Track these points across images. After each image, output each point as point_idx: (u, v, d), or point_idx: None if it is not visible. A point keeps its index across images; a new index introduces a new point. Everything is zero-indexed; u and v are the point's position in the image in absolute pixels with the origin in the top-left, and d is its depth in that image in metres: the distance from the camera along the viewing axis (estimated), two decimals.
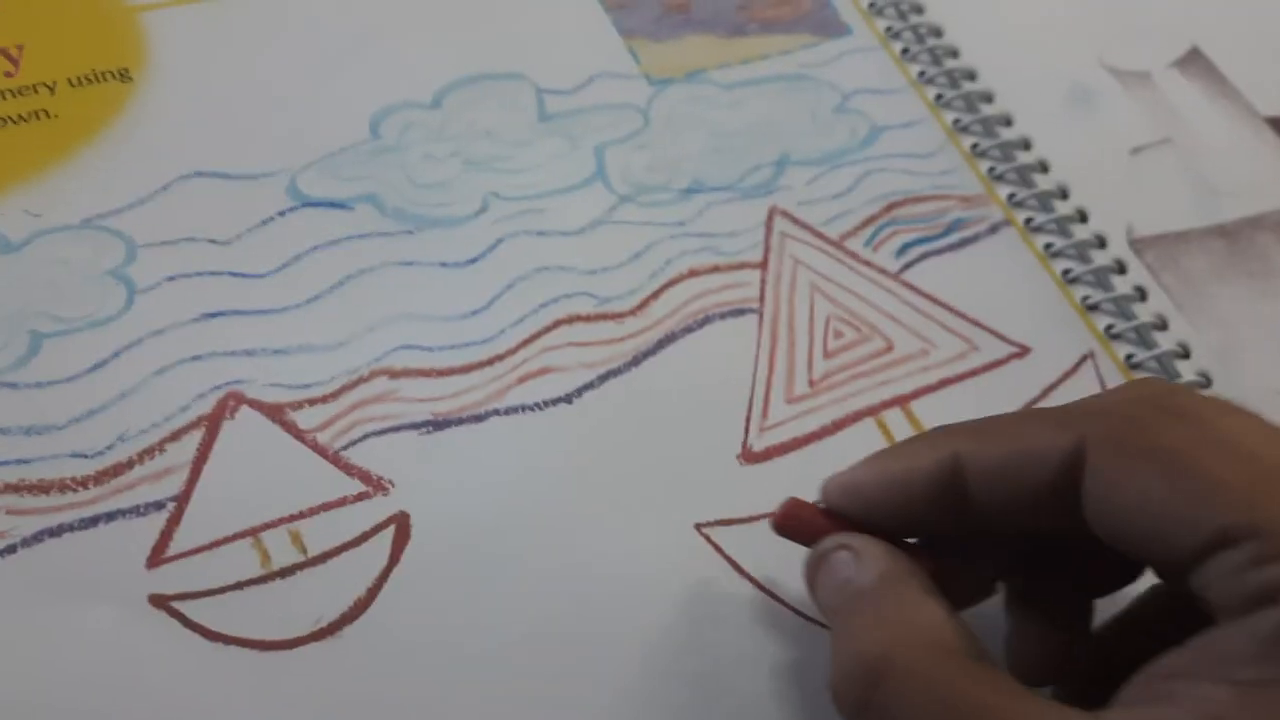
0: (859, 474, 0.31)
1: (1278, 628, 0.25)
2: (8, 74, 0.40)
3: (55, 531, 0.33)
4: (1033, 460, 0.29)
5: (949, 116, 0.47)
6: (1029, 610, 0.33)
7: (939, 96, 0.47)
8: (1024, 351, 0.42)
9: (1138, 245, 0.45)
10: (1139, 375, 0.42)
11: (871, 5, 0.49)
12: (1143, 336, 0.42)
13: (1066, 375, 0.41)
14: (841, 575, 0.30)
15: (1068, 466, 0.28)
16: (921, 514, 0.31)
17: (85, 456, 0.34)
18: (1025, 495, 0.29)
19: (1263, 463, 0.27)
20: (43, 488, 0.34)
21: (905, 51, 0.48)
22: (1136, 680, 0.27)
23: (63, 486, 0.34)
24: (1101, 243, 0.44)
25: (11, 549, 0.33)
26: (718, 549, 0.36)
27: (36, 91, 0.40)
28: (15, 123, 0.39)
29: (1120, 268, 0.44)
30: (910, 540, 0.32)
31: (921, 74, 0.47)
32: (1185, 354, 0.42)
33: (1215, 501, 0.26)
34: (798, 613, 0.35)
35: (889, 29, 0.48)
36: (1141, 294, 0.43)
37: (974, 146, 0.46)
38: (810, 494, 0.37)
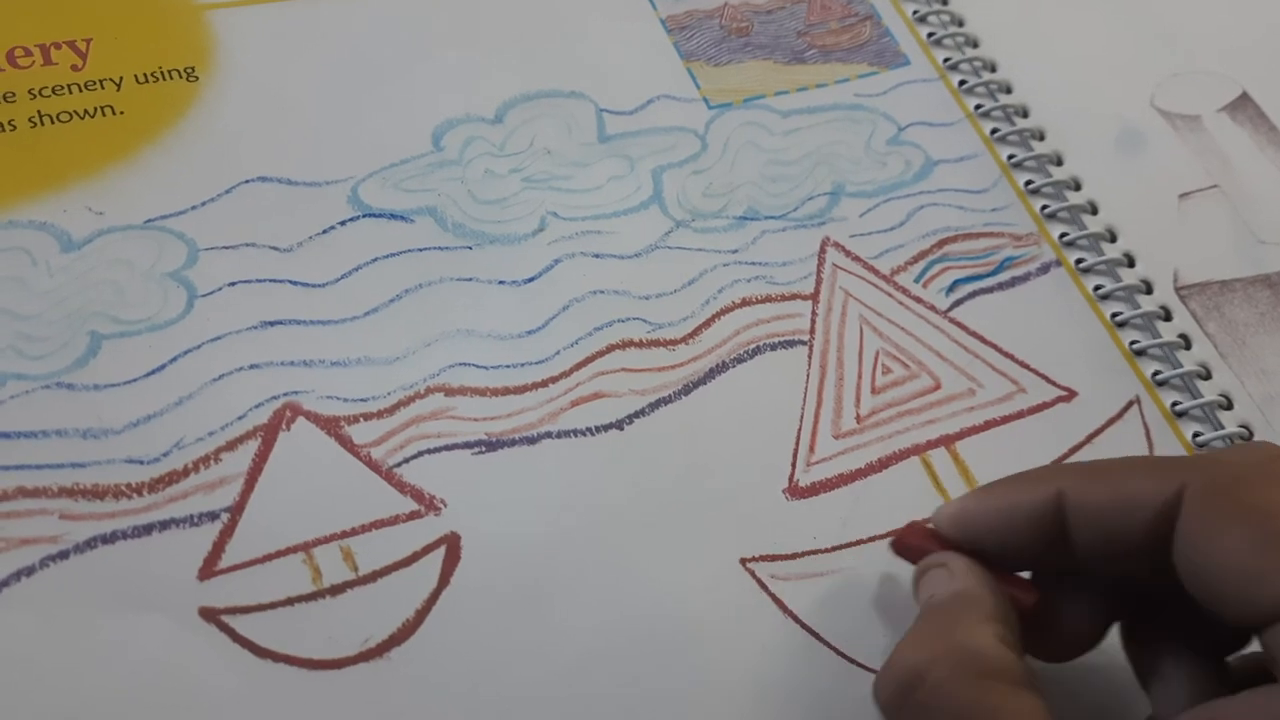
0: (968, 503, 0.33)
1: None
2: (74, 67, 0.40)
3: (108, 538, 0.33)
4: (1132, 505, 0.30)
5: (1004, 152, 0.47)
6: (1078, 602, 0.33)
7: (994, 131, 0.47)
8: (1070, 395, 0.42)
9: (1183, 292, 0.45)
10: (1184, 423, 0.42)
11: (930, 35, 0.49)
12: (1187, 384, 0.42)
13: (1112, 421, 0.41)
14: (930, 589, 0.32)
15: (1164, 515, 0.29)
16: (1024, 547, 0.32)
17: (141, 463, 0.34)
18: (1121, 539, 0.30)
19: None
20: (97, 493, 0.34)
21: (963, 84, 0.48)
22: (1185, 718, 0.29)
23: (117, 493, 0.34)
24: (1148, 288, 0.44)
25: (64, 554, 0.33)
26: (762, 585, 0.36)
27: (103, 86, 0.40)
28: (81, 117, 0.39)
29: (1166, 314, 0.44)
30: (1020, 574, 0.33)
31: (978, 107, 0.47)
32: (1228, 404, 0.42)
33: None
34: (838, 652, 0.35)
35: (947, 60, 0.48)
36: (1186, 342, 0.43)
37: (1028, 184, 0.46)
38: (857, 531, 0.37)
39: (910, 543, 0.34)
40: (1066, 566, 0.32)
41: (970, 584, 0.32)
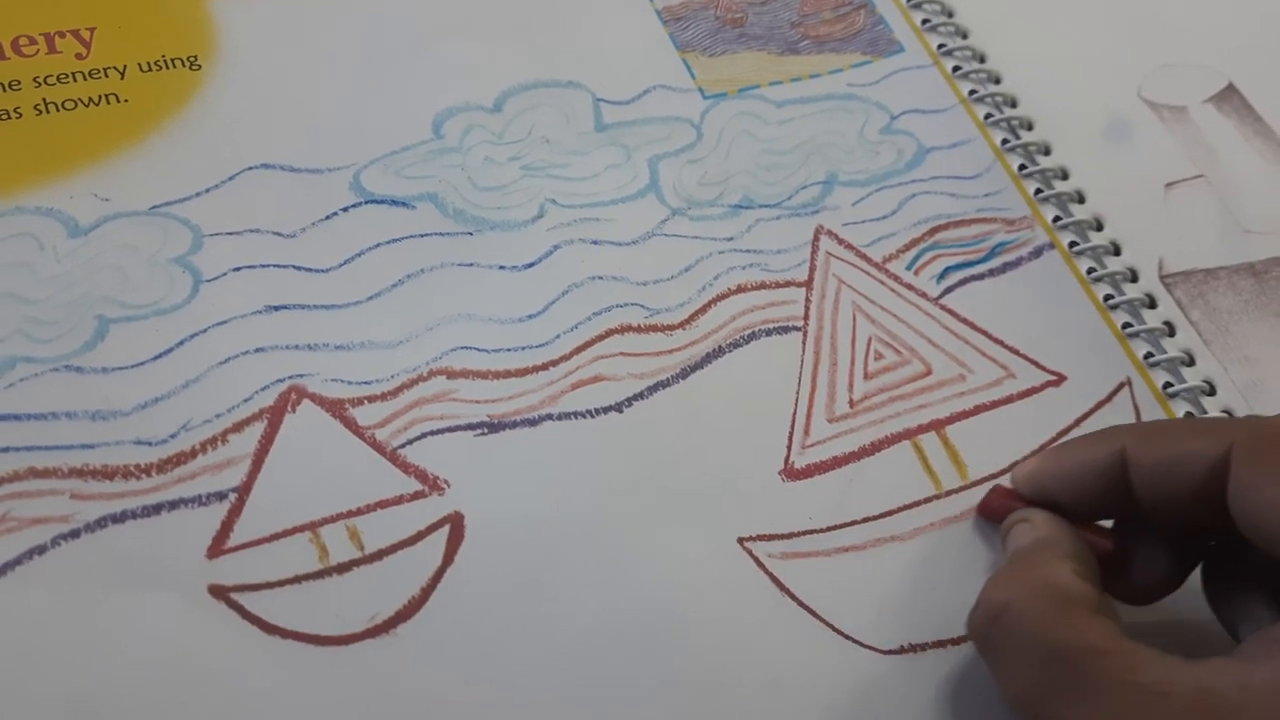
0: (1042, 462, 0.36)
1: None
2: (79, 55, 0.40)
3: (118, 518, 0.34)
4: (1186, 463, 0.33)
5: (998, 136, 0.47)
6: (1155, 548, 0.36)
7: (988, 116, 0.48)
8: (1059, 380, 0.42)
9: (1168, 280, 0.45)
10: (1176, 404, 0.42)
11: (925, 22, 0.50)
12: (1173, 370, 0.43)
13: (1101, 404, 0.42)
14: (1015, 541, 0.36)
15: (1216, 471, 0.32)
16: (1095, 500, 0.35)
17: (149, 444, 0.35)
18: (1179, 492, 0.33)
19: None
20: (107, 473, 0.34)
21: (956, 69, 0.49)
22: (1253, 638, 0.31)
23: (126, 473, 0.34)
24: (1133, 276, 0.45)
25: (75, 534, 0.33)
26: (759, 563, 0.37)
27: (107, 75, 0.40)
28: (86, 105, 0.39)
29: (1151, 302, 0.44)
30: (1100, 523, 0.36)
31: (972, 92, 0.48)
32: (1211, 390, 0.43)
33: None
34: (833, 628, 0.36)
35: (941, 46, 0.49)
36: (1170, 329, 0.44)
37: (1021, 167, 0.47)
38: (851, 512, 0.38)
39: (994, 503, 0.38)
40: (1135, 516, 0.35)
41: (1049, 531, 0.35)
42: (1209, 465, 0.32)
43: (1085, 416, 0.42)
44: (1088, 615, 0.31)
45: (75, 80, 0.40)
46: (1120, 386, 0.42)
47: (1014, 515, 0.37)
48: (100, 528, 0.33)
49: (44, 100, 0.39)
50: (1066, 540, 0.34)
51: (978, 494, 0.39)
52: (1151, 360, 0.43)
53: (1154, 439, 0.34)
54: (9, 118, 0.38)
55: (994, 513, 0.38)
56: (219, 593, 0.33)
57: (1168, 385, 0.43)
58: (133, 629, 0.32)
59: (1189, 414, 0.42)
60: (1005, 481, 0.38)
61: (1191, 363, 0.43)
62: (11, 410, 0.34)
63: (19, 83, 0.39)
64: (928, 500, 0.39)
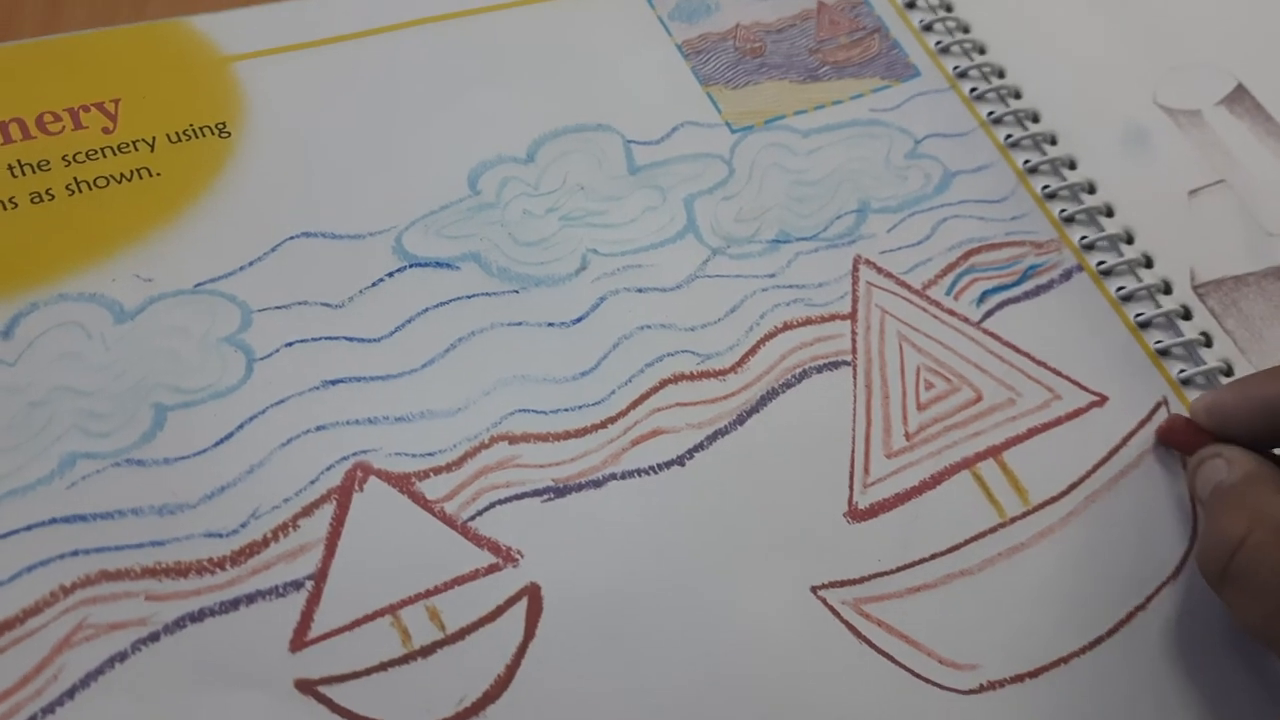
0: (1225, 396, 0.39)
1: None
2: (105, 130, 0.39)
3: (196, 616, 0.33)
4: None
5: (1020, 158, 0.47)
6: None
7: (1008, 137, 0.47)
8: (1102, 400, 0.42)
9: (1201, 290, 0.45)
10: None
11: (938, 44, 0.49)
12: (1211, 383, 0.43)
13: (1142, 424, 0.42)
14: (1215, 477, 0.37)
15: None
16: (1274, 433, 0.37)
17: (220, 536, 0.34)
18: None
19: None
20: (180, 570, 0.33)
21: (973, 91, 0.48)
22: None
23: (200, 569, 0.33)
24: (1167, 288, 0.45)
25: (154, 636, 0.32)
26: (834, 612, 0.37)
27: (136, 148, 0.39)
28: (118, 181, 0.38)
29: (1186, 313, 0.45)
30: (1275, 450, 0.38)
31: (990, 114, 0.48)
32: None
33: None
34: (912, 673, 0.36)
35: (956, 68, 0.49)
36: (1207, 339, 0.44)
37: (1045, 189, 0.47)
38: (918, 550, 0.38)
39: (1178, 433, 0.41)
40: None
41: (1255, 465, 0.37)
42: None
43: (1130, 435, 0.42)
44: None
45: (104, 156, 0.38)
46: (1158, 405, 0.42)
47: (1206, 451, 0.39)
48: (179, 628, 0.32)
49: (75, 179, 0.38)
50: (1275, 474, 0.36)
51: (1041, 519, 0.39)
52: (1184, 377, 0.43)
53: None
54: (42, 200, 0.37)
55: (1178, 442, 0.40)
56: (306, 687, 0.32)
57: None
58: None
59: None
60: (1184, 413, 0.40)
61: (1230, 373, 0.44)
62: (77, 511, 0.33)
63: (48, 162, 0.38)
64: (993, 530, 0.39)
